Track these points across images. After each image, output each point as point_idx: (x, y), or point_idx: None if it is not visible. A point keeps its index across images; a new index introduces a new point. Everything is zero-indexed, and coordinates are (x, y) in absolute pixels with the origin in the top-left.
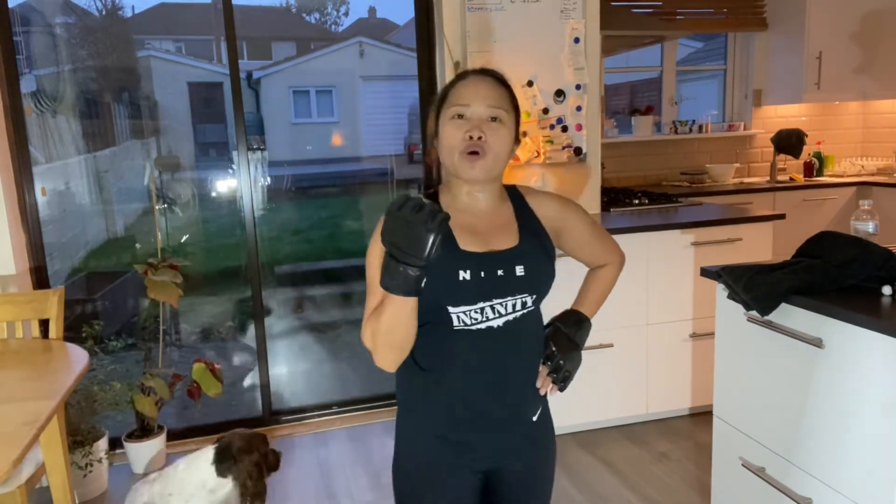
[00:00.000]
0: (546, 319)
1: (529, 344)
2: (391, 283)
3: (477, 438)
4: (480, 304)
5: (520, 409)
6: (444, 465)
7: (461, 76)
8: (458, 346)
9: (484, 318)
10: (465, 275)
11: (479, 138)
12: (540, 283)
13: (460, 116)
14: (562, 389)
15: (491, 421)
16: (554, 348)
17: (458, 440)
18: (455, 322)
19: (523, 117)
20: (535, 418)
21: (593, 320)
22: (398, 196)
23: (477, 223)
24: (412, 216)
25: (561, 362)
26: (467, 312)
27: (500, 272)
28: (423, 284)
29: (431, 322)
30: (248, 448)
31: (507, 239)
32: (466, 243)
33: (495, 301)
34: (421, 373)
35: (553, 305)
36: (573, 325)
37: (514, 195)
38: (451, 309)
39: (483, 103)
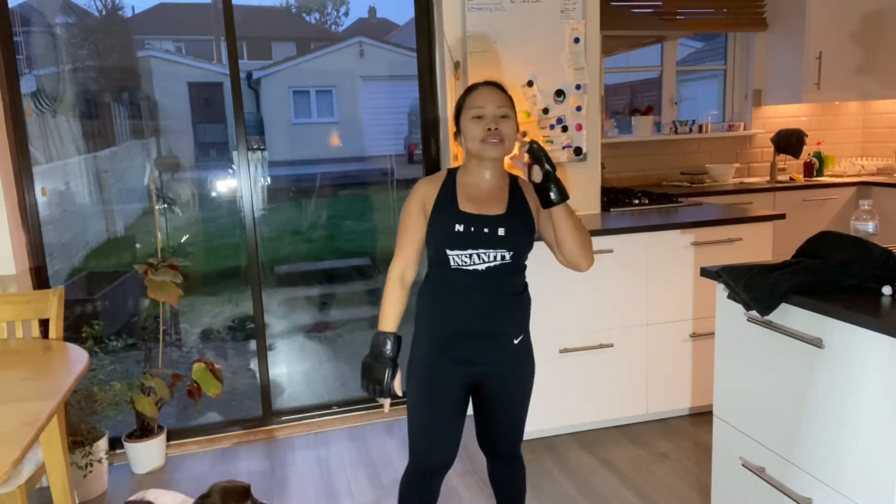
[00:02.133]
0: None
1: (506, 288)
2: (364, 385)
3: (466, 347)
4: (469, 251)
5: (499, 331)
6: (443, 365)
7: (473, 87)
8: (455, 280)
9: (472, 262)
10: (459, 227)
11: (496, 129)
12: (516, 243)
13: (479, 117)
14: (537, 160)
15: (476, 336)
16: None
17: (453, 347)
18: (451, 263)
19: (523, 117)
20: (516, 342)
21: (593, 321)
22: (369, 381)
23: (479, 194)
24: (370, 385)
25: (542, 153)
26: (460, 255)
27: (485, 230)
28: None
29: (438, 261)
30: None
31: (497, 208)
32: (465, 206)
33: (480, 250)
34: (431, 298)
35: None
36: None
37: (514, 181)
38: (448, 252)
39: (494, 105)
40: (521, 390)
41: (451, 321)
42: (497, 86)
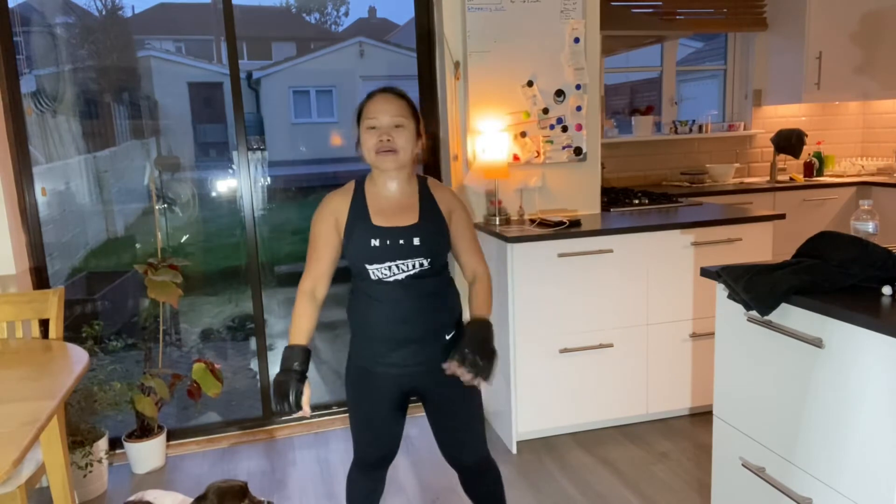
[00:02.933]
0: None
1: (428, 292)
2: (274, 403)
3: (396, 354)
4: (388, 264)
5: (428, 333)
6: (376, 371)
7: (370, 96)
8: (377, 292)
9: (392, 274)
10: (375, 242)
11: (388, 140)
12: (433, 250)
13: (373, 127)
14: (487, 380)
15: (404, 342)
16: (467, 350)
17: (384, 354)
18: (372, 276)
19: (523, 117)
20: (448, 337)
21: (593, 321)
22: (277, 397)
23: (389, 204)
24: (279, 402)
25: (480, 362)
26: (379, 269)
27: (401, 241)
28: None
29: (359, 275)
30: None
31: (409, 217)
32: (378, 220)
33: (398, 262)
34: (358, 307)
35: None
36: (486, 330)
37: (422, 184)
38: (367, 266)
39: (387, 115)
40: (460, 389)
41: (379, 330)
42: (396, 93)
